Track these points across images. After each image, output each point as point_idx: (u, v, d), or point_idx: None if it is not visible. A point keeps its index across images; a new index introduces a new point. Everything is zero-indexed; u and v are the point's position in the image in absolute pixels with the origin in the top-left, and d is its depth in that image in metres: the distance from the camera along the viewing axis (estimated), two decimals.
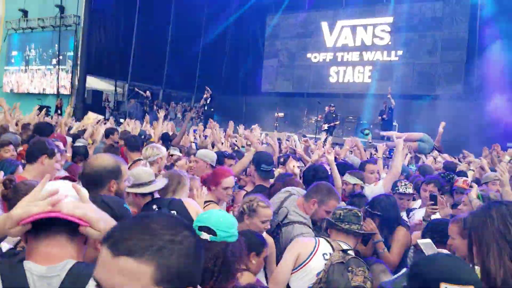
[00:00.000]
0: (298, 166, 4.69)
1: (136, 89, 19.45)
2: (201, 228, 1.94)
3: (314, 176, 3.66)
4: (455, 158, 8.23)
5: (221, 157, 4.86)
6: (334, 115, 16.50)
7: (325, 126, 16.43)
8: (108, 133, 6.95)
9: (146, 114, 17.03)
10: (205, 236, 1.91)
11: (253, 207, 2.76)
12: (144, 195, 2.97)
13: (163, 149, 4.40)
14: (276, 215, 3.19)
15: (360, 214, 2.70)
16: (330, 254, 2.54)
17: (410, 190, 4.01)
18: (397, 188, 3.97)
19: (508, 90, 14.71)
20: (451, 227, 2.73)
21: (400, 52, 19.23)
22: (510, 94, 14.69)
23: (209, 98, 16.87)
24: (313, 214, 3.17)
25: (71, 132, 7.18)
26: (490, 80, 14.89)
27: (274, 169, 4.46)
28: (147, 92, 19.08)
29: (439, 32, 18.37)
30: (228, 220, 2.00)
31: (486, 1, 16.84)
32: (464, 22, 17.72)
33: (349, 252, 2.54)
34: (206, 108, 16.96)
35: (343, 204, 3.13)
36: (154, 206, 2.79)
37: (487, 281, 1.55)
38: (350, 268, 2.41)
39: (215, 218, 1.98)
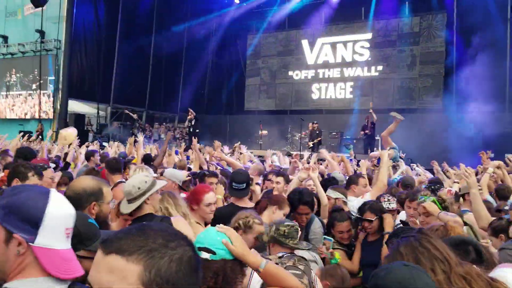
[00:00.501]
0: (277, 182, 4.69)
1: (127, 111, 19.33)
2: (200, 249, 1.92)
3: (299, 200, 3.67)
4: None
5: (202, 176, 4.85)
6: (317, 132, 16.66)
7: (310, 144, 16.56)
8: (88, 155, 6.89)
9: (134, 136, 17.02)
10: (205, 255, 1.90)
11: (249, 223, 2.78)
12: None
13: (151, 170, 4.38)
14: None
15: (298, 228, 2.76)
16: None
17: (393, 206, 4.05)
18: (380, 203, 3.95)
19: (487, 101, 15.02)
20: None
21: (380, 68, 19.59)
22: (489, 105, 15.00)
23: (193, 120, 16.87)
24: None
25: (50, 156, 7.10)
26: (469, 92, 15.18)
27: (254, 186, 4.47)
28: (135, 114, 19.03)
29: (416, 47, 18.79)
30: (225, 238, 1.98)
31: (462, 15, 17.29)
32: (441, 36, 18.17)
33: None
34: (191, 129, 16.94)
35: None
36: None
37: None
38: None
39: (212, 237, 1.97)
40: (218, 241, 1.94)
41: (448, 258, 1.68)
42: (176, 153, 8.33)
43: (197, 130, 16.90)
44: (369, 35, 19.83)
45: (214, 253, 1.91)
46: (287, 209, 3.51)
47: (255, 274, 2.18)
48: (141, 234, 0.94)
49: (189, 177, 4.78)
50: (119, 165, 4.72)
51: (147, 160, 6.52)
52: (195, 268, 0.98)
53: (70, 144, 8.45)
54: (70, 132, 8.81)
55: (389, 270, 1.47)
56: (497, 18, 16.30)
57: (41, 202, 1.34)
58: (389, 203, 4.00)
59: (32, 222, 1.30)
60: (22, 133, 9.25)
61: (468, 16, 16.89)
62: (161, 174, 4.96)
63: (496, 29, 16.20)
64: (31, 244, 1.29)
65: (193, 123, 16.90)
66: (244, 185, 3.95)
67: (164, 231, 0.97)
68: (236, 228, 2.80)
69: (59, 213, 1.36)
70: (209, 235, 1.99)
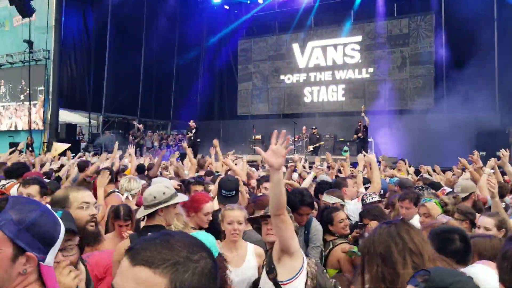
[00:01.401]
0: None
1: (134, 122, 19.20)
2: None
3: (301, 201, 3.64)
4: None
5: (187, 184, 4.80)
6: (317, 137, 16.79)
7: (310, 147, 16.63)
8: (82, 166, 6.80)
9: (139, 146, 17.02)
10: None
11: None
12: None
13: (139, 180, 4.34)
14: None
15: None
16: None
17: (376, 198, 4.24)
18: (364, 201, 4.22)
19: (478, 100, 15.13)
20: (487, 219, 3.05)
21: (371, 70, 19.68)
22: (480, 104, 15.11)
23: (194, 129, 16.86)
24: None
25: (43, 170, 6.99)
26: (459, 92, 15.28)
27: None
28: (142, 125, 18.92)
29: (406, 48, 18.91)
30: (208, 239, 2.09)
31: (449, 16, 17.45)
32: (429, 37, 18.31)
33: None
34: (192, 139, 16.93)
35: None
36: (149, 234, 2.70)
37: None
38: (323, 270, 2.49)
39: (205, 239, 2.02)
40: (211, 242, 2.07)
41: (423, 252, 1.69)
42: (177, 160, 8.29)
43: (198, 140, 16.89)
44: (359, 38, 19.94)
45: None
46: None
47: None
48: (166, 246, 0.98)
49: (179, 186, 4.73)
50: (112, 176, 4.68)
51: (140, 170, 6.46)
52: (214, 278, 1.02)
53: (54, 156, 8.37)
54: (62, 145, 8.75)
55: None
56: (484, 18, 16.46)
57: (54, 221, 1.35)
58: (371, 198, 4.19)
59: (46, 241, 1.30)
60: (13, 149, 9.11)
61: (455, 17, 17.05)
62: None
63: (483, 29, 16.35)
64: (41, 263, 1.29)
65: (193, 132, 16.92)
66: (234, 192, 3.97)
67: (187, 243, 1.01)
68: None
69: (63, 231, 1.38)
70: (201, 237, 2.03)
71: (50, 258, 1.32)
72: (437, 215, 3.26)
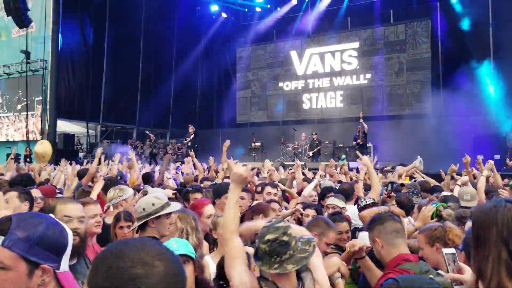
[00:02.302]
0: (274, 194, 4.69)
1: (146, 132, 19.11)
2: (181, 255, 2.13)
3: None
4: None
5: (186, 192, 4.76)
6: (317, 142, 16.84)
7: (310, 153, 16.66)
8: (83, 175, 6.72)
9: (153, 156, 16.99)
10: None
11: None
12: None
13: (129, 190, 4.23)
14: None
15: (287, 240, 2.06)
16: None
17: (370, 201, 4.22)
18: (359, 205, 4.22)
19: (474, 105, 15.19)
20: (419, 237, 2.86)
21: (368, 76, 19.74)
22: (477, 108, 15.16)
23: (193, 135, 16.82)
24: None
25: (39, 180, 6.90)
26: (456, 97, 15.32)
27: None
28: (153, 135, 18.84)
29: (403, 54, 18.99)
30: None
31: (446, 22, 17.57)
32: (426, 43, 18.42)
33: None
34: (190, 144, 16.89)
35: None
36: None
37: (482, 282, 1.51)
38: None
39: (185, 243, 2.29)
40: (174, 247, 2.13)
41: None
42: (177, 168, 8.24)
43: (196, 145, 16.83)
44: (356, 44, 20.02)
45: (191, 258, 2.19)
46: (273, 215, 3.47)
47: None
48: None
49: (174, 194, 4.70)
50: (113, 185, 4.63)
51: (146, 179, 6.41)
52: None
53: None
54: (46, 149, 8.62)
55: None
56: (479, 24, 16.59)
57: (60, 230, 1.40)
58: (365, 201, 4.18)
59: (57, 250, 1.36)
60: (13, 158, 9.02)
61: (451, 23, 17.22)
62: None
63: (479, 35, 16.50)
64: (57, 271, 1.35)
65: (191, 137, 16.87)
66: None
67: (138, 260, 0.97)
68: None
69: (71, 236, 1.43)
70: (182, 242, 2.28)
71: (64, 264, 1.38)
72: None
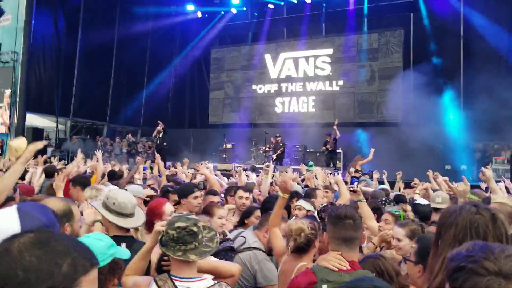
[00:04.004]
0: (246, 197, 4.76)
1: (129, 136, 18.79)
2: None
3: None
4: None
5: (165, 192, 4.81)
6: (280, 145, 16.86)
7: (274, 156, 16.74)
8: (50, 172, 6.62)
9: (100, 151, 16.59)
10: None
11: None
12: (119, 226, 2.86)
13: (104, 190, 4.27)
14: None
15: (196, 230, 2.24)
16: None
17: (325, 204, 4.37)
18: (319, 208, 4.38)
19: (444, 114, 15.66)
20: (398, 230, 3.09)
21: (341, 82, 20.07)
22: (447, 118, 15.63)
23: (162, 132, 16.63)
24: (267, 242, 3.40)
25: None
26: (426, 106, 15.74)
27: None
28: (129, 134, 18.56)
29: (375, 62, 19.41)
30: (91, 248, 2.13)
31: (418, 32, 18.08)
32: (398, 52, 18.86)
33: None
34: (158, 142, 16.70)
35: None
36: (124, 245, 2.58)
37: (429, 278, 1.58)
38: None
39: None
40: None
41: None
42: (144, 169, 8.17)
43: (165, 143, 16.63)
44: (330, 51, 20.32)
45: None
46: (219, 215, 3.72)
47: None
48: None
49: (149, 197, 4.72)
50: (88, 181, 4.66)
51: (112, 176, 6.37)
52: None
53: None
54: (20, 143, 8.40)
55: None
56: (451, 35, 17.16)
57: None
58: (323, 204, 4.32)
59: None
60: None
61: (423, 33, 17.70)
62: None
63: (450, 47, 17.05)
64: None
65: (161, 135, 16.64)
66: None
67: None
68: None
69: None
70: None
71: None
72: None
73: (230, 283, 2.49)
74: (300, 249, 2.85)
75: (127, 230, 2.91)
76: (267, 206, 4.08)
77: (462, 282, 1.02)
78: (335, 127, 15.59)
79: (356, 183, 5.62)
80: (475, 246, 1.09)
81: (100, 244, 2.00)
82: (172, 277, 2.21)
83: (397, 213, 3.69)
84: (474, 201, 1.73)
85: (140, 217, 3.00)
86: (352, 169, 9.20)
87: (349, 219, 2.38)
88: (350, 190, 4.21)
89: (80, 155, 7.36)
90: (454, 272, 1.06)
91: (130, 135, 19.45)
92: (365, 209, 3.88)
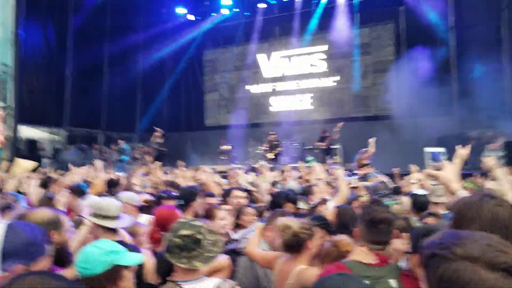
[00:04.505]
0: (242, 197, 4.75)
1: (120, 141, 18.75)
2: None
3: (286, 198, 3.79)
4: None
5: (159, 198, 4.76)
6: (275, 143, 16.86)
7: (271, 155, 16.70)
8: (45, 183, 6.55)
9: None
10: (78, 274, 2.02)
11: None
12: (106, 229, 2.87)
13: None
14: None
15: (200, 238, 2.23)
16: None
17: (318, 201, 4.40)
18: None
19: (438, 104, 15.67)
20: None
21: (335, 78, 20.07)
22: (441, 108, 15.65)
23: (162, 138, 16.59)
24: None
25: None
26: (419, 98, 15.76)
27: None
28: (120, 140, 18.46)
29: (368, 57, 19.41)
30: (86, 255, 2.04)
31: (409, 26, 18.09)
32: (390, 46, 18.89)
33: None
34: (158, 148, 16.65)
35: None
36: None
37: None
38: None
39: (77, 255, 2.10)
40: (79, 259, 2.04)
41: None
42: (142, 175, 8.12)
43: (165, 149, 16.61)
44: (322, 47, 20.32)
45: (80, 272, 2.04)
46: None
47: None
48: None
49: (147, 202, 4.69)
50: (84, 191, 4.66)
51: (112, 185, 6.31)
52: None
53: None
54: (27, 165, 8.34)
55: (324, 278, 1.72)
56: (442, 26, 17.17)
57: None
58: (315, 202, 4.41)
59: None
60: None
61: (414, 26, 17.71)
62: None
63: (442, 37, 17.07)
64: None
65: (160, 141, 16.61)
66: (182, 201, 4.18)
67: None
68: None
69: None
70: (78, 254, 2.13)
71: None
72: None
73: (224, 277, 2.57)
74: (290, 248, 2.76)
75: (115, 232, 2.90)
76: (276, 201, 4.06)
77: (435, 269, 1.08)
78: (338, 129, 15.65)
79: (353, 177, 5.62)
80: (446, 234, 1.14)
81: (95, 251, 2.02)
82: (179, 283, 2.22)
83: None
84: (489, 191, 1.65)
85: (126, 220, 3.04)
86: (360, 171, 9.07)
87: (383, 224, 2.34)
88: (352, 187, 4.21)
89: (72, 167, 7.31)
90: (428, 259, 1.11)
91: (120, 141, 19.28)
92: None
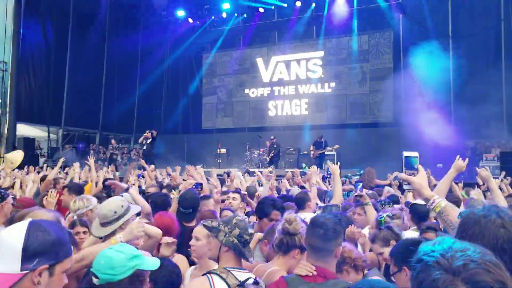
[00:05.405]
0: (234, 198, 4.78)
1: (112, 140, 18.69)
2: (91, 273, 1.99)
3: (273, 206, 3.74)
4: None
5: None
6: (275, 146, 16.93)
7: (268, 159, 16.74)
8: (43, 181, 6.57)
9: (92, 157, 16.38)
10: (94, 280, 1.96)
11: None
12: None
13: (93, 200, 4.22)
14: None
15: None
16: None
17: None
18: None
19: (435, 113, 15.73)
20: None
21: (332, 84, 20.14)
22: (438, 117, 15.71)
23: (150, 139, 16.45)
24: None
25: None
26: (417, 106, 15.85)
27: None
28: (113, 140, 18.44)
29: (366, 64, 19.51)
30: (110, 260, 1.97)
31: (407, 33, 18.21)
32: (388, 53, 19.00)
33: (248, 281, 2.27)
34: (145, 148, 16.55)
35: None
36: None
37: None
38: None
39: (97, 260, 2.01)
40: (101, 264, 1.96)
41: None
42: (139, 176, 8.12)
43: (153, 150, 16.50)
44: (321, 53, 20.40)
45: (97, 277, 1.96)
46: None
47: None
48: None
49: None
50: (82, 189, 4.66)
51: (109, 186, 6.30)
52: None
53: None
54: (16, 156, 8.34)
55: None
56: (440, 35, 17.27)
57: None
58: None
59: None
60: None
61: (413, 34, 17.82)
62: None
63: (439, 46, 17.15)
64: None
65: (148, 141, 16.46)
66: (191, 210, 4.07)
67: None
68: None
69: None
70: (98, 257, 2.03)
71: None
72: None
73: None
74: (281, 246, 2.70)
75: (100, 238, 2.86)
76: (260, 208, 3.96)
77: (418, 273, 1.11)
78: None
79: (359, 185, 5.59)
80: (441, 241, 1.16)
81: (120, 256, 1.97)
82: (229, 269, 2.31)
83: (380, 218, 3.71)
84: (495, 206, 1.66)
85: (133, 209, 3.02)
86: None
87: (319, 228, 2.27)
88: (356, 195, 4.20)
89: (61, 160, 7.28)
90: (415, 263, 1.14)
91: (113, 141, 19.28)
92: (370, 212, 3.88)
